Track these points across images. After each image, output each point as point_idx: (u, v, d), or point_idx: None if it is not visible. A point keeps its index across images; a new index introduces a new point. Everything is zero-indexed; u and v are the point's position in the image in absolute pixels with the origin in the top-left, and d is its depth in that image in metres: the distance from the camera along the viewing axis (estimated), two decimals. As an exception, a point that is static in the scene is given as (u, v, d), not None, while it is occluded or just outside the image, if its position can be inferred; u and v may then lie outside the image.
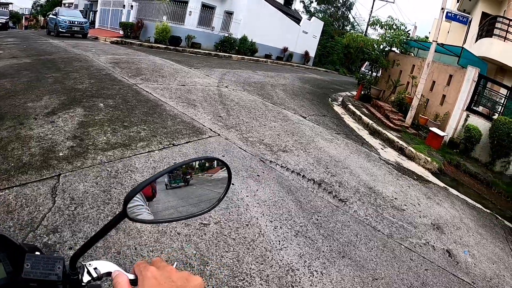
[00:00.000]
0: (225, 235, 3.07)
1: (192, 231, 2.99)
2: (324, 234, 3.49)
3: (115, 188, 3.50)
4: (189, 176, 0.78)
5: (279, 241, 3.17)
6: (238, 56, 20.74)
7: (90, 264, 0.72)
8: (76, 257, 0.71)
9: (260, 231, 3.23)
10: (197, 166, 0.78)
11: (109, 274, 0.71)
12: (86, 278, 0.71)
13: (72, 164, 3.88)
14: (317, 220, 3.71)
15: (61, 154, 4.10)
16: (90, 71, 8.68)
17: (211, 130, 5.47)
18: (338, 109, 10.54)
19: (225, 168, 0.81)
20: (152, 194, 0.73)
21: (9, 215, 3.00)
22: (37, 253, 0.74)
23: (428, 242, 4.10)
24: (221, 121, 5.99)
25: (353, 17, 41.17)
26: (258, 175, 4.41)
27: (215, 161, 0.81)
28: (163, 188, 0.74)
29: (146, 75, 8.86)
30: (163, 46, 18.70)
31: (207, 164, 0.80)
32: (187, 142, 4.85)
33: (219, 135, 5.33)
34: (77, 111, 5.50)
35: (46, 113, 5.32)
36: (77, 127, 4.88)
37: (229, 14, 23.50)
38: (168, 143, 4.71)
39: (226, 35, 22.43)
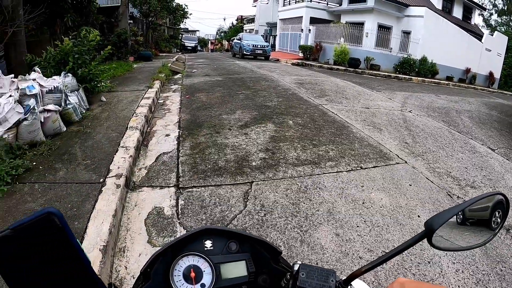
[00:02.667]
0: (405, 268, 2.98)
1: (374, 258, 2.98)
2: (505, 288, 3.10)
3: (304, 203, 3.77)
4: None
5: (459, 286, 2.93)
6: (418, 78, 19.87)
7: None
8: (358, 275, 0.78)
9: (441, 271, 3.05)
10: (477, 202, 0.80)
11: None
12: None
13: (264, 174, 4.36)
14: (501, 270, 3.31)
15: (254, 163, 4.64)
16: (277, 90, 9.64)
17: (398, 156, 5.38)
18: (529, 142, 9.11)
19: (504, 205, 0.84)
20: None
21: (202, 209, 3.58)
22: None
23: None
24: (407, 148, 5.84)
25: (542, 28, 34.92)
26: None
27: (497, 196, 0.84)
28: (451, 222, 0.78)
29: (330, 96, 9.33)
30: (343, 68, 19.38)
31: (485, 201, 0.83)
32: (374, 167, 4.88)
33: (406, 162, 5.21)
34: (268, 126, 6.19)
35: (240, 125, 6.12)
36: (268, 140, 5.48)
37: (406, 33, 23.07)
38: (356, 165, 4.83)
39: (405, 56, 21.87)
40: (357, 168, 4.75)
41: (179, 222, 3.37)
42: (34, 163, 4.24)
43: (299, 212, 3.57)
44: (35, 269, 0.60)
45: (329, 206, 3.74)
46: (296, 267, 0.82)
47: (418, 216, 3.75)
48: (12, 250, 0.59)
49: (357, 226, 3.41)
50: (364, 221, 3.51)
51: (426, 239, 0.73)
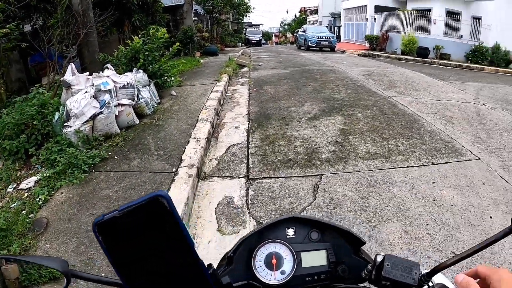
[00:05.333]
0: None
1: (442, 259, 2.86)
2: None
3: (373, 197, 3.70)
4: None
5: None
6: (491, 68, 17.91)
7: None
8: (441, 269, 0.75)
9: (511, 277, 2.80)
10: None
11: (442, 287, 0.75)
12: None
13: (333, 167, 4.34)
14: None
15: (323, 156, 4.63)
16: (345, 82, 9.44)
17: (471, 152, 5.05)
18: None
19: None
20: None
21: (272, 200, 3.64)
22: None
23: None
24: (481, 144, 5.46)
25: None
26: (521, 215, 3.83)
27: None
28: None
29: (400, 88, 8.97)
30: (411, 58, 18.32)
31: None
32: (446, 163, 4.63)
33: (479, 159, 4.87)
34: (337, 118, 6.11)
35: (309, 118, 6.11)
36: (338, 133, 5.42)
37: (476, 19, 20.65)
38: (427, 160, 4.63)
39: (476, 43, 19.90)
40: (428, 164, 4.55)
41: (248, 212, 3.46)
42: (110, 153, 4.57)
43: (368, 207, 3.52)
44: (140, 248, 0.63)
45: (399, 202, 3.63)
46: (379, 258, 0.80)
47: (491, 218, 3.48)
48: (120, 230, 0.60)
49: (427, 224, 3.28)
50: (434, 220, 3.36)
51: None
